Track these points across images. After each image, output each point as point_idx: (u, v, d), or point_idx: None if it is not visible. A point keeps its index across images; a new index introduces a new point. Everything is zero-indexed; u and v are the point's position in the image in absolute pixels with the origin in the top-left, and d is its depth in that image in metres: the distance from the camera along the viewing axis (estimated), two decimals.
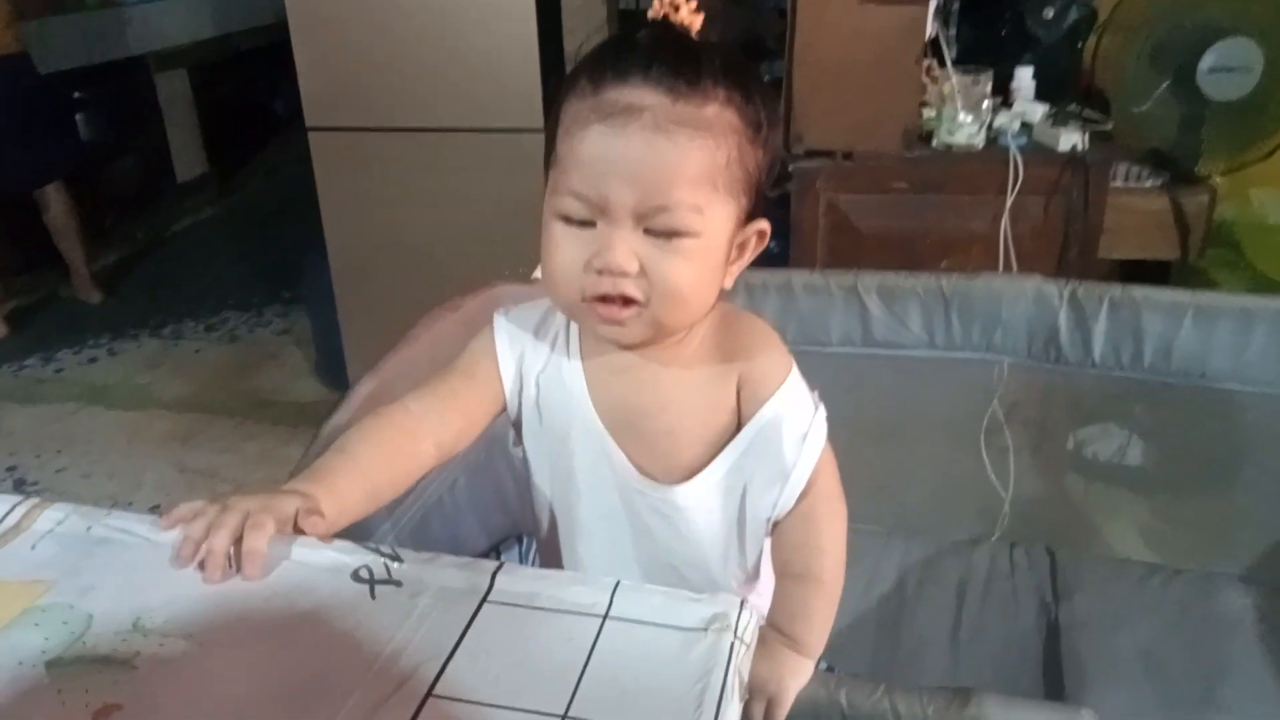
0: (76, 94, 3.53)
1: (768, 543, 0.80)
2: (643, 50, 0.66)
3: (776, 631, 0.72)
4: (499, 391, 0.78)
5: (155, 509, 2.05)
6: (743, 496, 0.76)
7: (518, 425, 0.81)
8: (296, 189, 2.43)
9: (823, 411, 0.75)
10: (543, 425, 0.79)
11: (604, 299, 0.67)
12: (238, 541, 0.55)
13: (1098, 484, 1.57)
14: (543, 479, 0.82)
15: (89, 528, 0.57)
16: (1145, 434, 1.45)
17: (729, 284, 0.72)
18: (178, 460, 2.34)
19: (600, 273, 0.66)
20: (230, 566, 0.54)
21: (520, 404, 0.79)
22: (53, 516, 0.58)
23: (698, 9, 0.70)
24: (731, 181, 0.67)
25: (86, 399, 2.65)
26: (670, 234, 0.65)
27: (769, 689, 0.69)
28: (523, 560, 1.13)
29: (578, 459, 0.77)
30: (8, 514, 0.59)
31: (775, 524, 0.77)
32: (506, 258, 2.09)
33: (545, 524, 0.84)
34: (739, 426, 0.74)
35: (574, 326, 0.77)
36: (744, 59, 0.71)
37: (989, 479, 1.41)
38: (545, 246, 0.69)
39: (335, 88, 2.10)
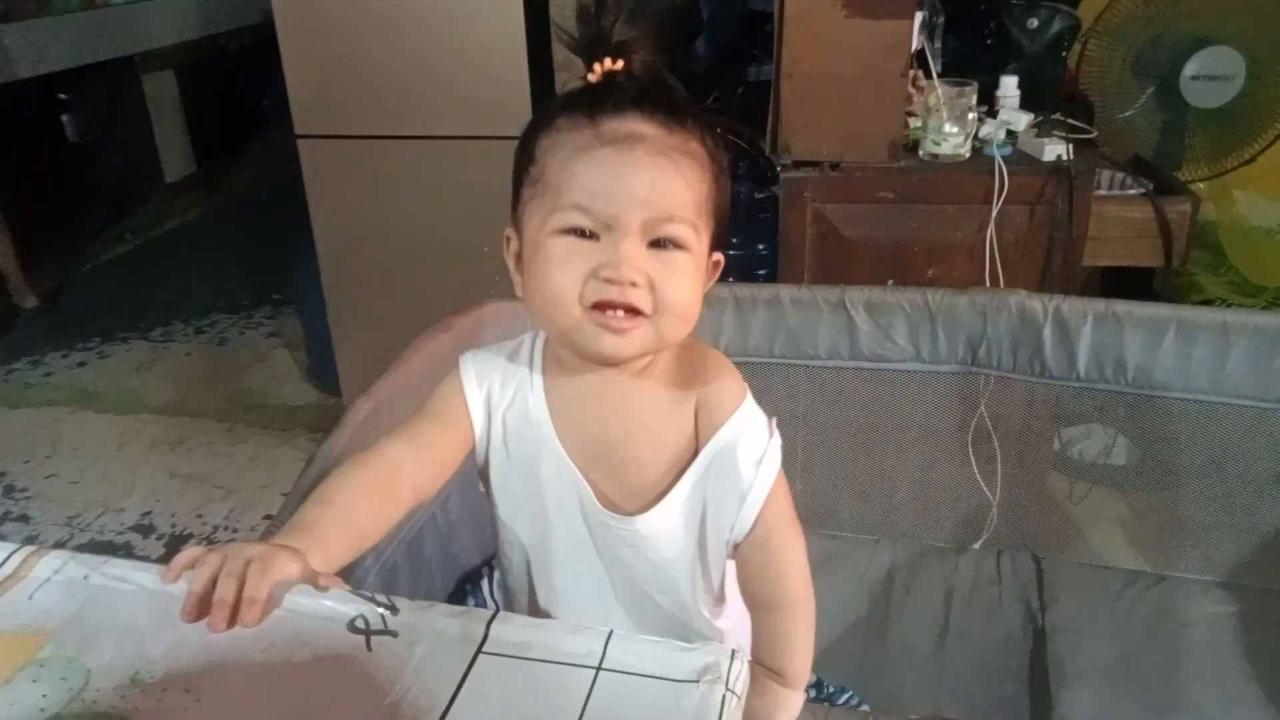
0: (62, 95, 3.51)
1: (730, 565, 0.83)
2: (633, 89, 0.71)
3: (762, 667, 0.74)
4: (468, 432, 0.80)
5: (144, 523, 2.08)
6: (703, 520, 0.78)
7: (484, 465, 0.82)
8: (285, 189, 2.42)
9: (778, 439, 0.78)
10: (510, 460, 0.80)
11: (607, 306, 0.69)
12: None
13: (1082, 484, 1.59)
14: (511, 514, 0.83)
15: (86, 575, 0.58)
16: (1131, 437, 1.48)
17: (698, 306, 0.77)
18: (168, 465, 2.35)
19: (609, 282, 0.68)
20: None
21: (489, 442, 0.81)
22: (51, 564, 0.59)
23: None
24: (712, 208, 0.73)
25: (76, 403, 2.65)
26: (671, 246, 0.70)
27: None
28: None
29: (547, 494, 0.79)
30: (5, 560, 0.60)
31: (737, 549, 0.79)
32: (495, 263, 2.11)
33: (515, 558, 0.85)
34: (696, 451, 0.77)
35: (539, 360, 0.80)
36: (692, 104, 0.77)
37: (975, 486, 1.43)
38: (542, 263, 0.71)
39: (324, 96, 2.10)
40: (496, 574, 1.12)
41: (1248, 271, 2.15)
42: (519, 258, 0.75)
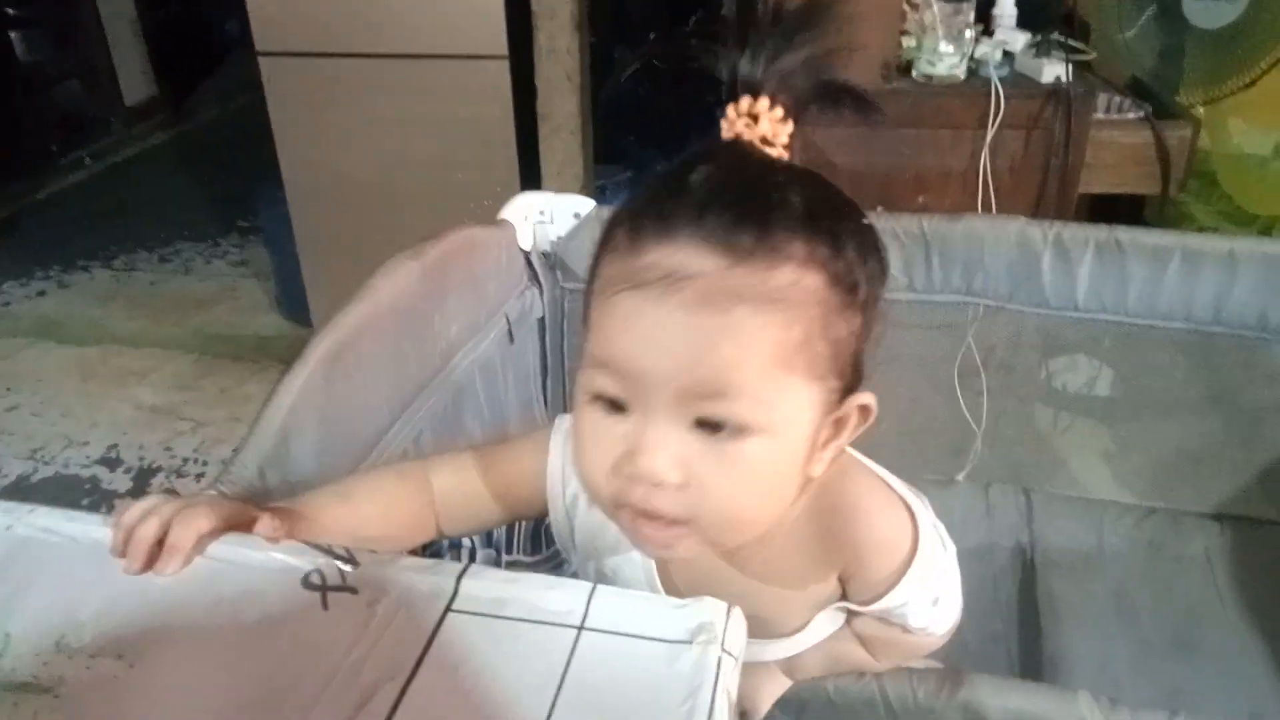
0: (11, 11, 3.33)
1: None
2: (697, 193, 0.51)
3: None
4: (536, 508, 0.68)
5: (110, 455, 2.02)
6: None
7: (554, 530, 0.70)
8: (250, 114, 2.32)
9: (952, 551, 0.66)
10: (584, 557, 0.68)
11: (633, 511, 0.53)
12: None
13: (1068, 416, 1.56)
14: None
15: (9, 526, 0.52)
16: (1120, 370, 1.44)
17: (819, 470, 0.57)
18: (134, 398, 2.28)
19: (631, 479, 0.52)
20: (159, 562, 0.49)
21: (568, 523, 0.67)
22: None
23: (785, 117, 0.55)
24: (813, 361, 0.51)
25: (36, 334, 2.56)
26: (727, 429, 0.50)
27: (742, 704, 0.65)
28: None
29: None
30: None
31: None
32: (467, 186, 2.03)
33: None
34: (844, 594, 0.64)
35: None
36: (835, 192, 0.55)
37: (961, 417, 1.39)
38: (576, 436, 0.56)
39: (286, 9, 1.99)
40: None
41: (1240, 200, 2.10)
42: None
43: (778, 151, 0.55)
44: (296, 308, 2.43)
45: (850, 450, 0.63)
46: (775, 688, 0.66)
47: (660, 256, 0.49)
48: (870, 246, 0.55)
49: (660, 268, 0.49)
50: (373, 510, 0.64)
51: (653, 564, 0.63)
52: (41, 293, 2.78)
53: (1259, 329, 1.19)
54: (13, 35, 3.35)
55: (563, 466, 0.65)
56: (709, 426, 0.50)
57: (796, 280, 0.50)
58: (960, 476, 1.42)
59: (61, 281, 2.84)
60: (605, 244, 0.54)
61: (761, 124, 0.54)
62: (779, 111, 0.54)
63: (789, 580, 0.62)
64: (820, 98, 0.56)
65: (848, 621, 0.68)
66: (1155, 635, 1.16)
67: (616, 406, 0.52)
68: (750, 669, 0.65)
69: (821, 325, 0.51)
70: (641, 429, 0.51)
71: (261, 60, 2.04)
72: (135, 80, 3.91)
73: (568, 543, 0.68)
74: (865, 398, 0.56)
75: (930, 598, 0.63)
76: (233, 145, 3.63)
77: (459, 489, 0.67)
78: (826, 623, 0.66)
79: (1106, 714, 0.60)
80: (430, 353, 1.08)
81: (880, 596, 0.61)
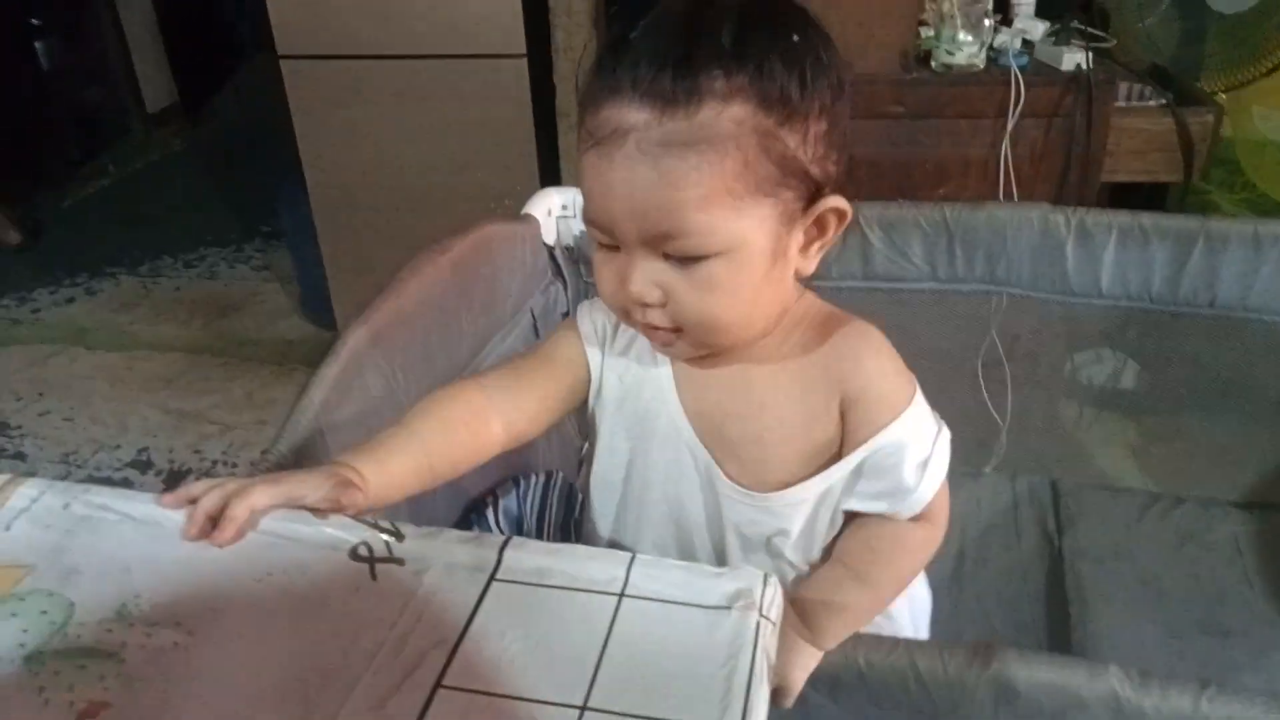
0: (35, 21, 3.38)
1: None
2: (636, 45, 0.56)
3: (799, 616, 0.68)
4: (581, 379, 0.73)
5: (141, 459, 2.05)
6: (836, 505, 0.71)
7: (590, 414, 0.75)
8: (271, 118, 2.34)
9: (946, 435, 0.69)
10: (620, 414, 0.73)
11: (643, 325, 0.63)
12: None
13: (1093, 410, 1.56)
14: (608, 469, 0.76)
15: (67, 505, 0.54)
16: (1146, 361, 1.44)
17: (810, 268, 0.64)
18: (162, 402, 2.30)
19: (628, 300, 0.61)
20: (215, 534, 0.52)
21: (600, 390, 0.73)
22: (28, 493, 0.55)
23: None
24: (759, 182, 0.57)
25: (66, 340, 2.59)
26: (689, 259, 0.58)
27: (774, 680, 0.66)
28: (521, 502, 1.11)
29: (655, 455, 0.72)
30: None
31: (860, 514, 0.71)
32: (488, 185, 2.04)
33: (600, 506, 0.78)
34: (841, 445, 0.67)
35: None
36: (772, 12, 0.58)
37: (987, 411, 1.39)
38: (594, 266, 0.65)
39: (306, 13, 2.01)
40: (502, 502, 1.08)
41: (1265, 187, 2.08)
42: None
43: None
44: (320, 311, 2.45)
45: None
46: (809, 660, 0.66)
47: (610, 113, 0.55)
48: (805, 53, 0.57)
49: (609, 123, 0.55)
50: (432, 429, 0.66)
51: (671, 383, 0.70)
52: (70, 299, 2.81)
53: None
54: (36, 45, 3.40)
55: (590, 314, 0.73)
56: (674, 258, 0.58)
57: (719, 113, 0.54)
58: (988, 469, 1.42)
59: (89, 288, 2.87)
60: (581, 102, 0.60)
61: None
62: None
63: (792, 404, 0.66)
64: None
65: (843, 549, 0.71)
66: (1185, 620, 1.16)
67: (612, 246, 0.60)
68: (793, 647, 0.66)
69: (759, 148, 0.56)
70: (626, 263, 0.59)
71: (283, 63, 2.06)
72: (156, 87, 3.95)
73: (596, 386, 0.73)
74: (835, 201, 0.61)
75: (922, 458, 0.66)
76: (254, 149, 3.66)
77: (510, 383, 0.71)
78: (822, 485, 0.68)
79: (1137, 687, 0.60)
80: (457, 346, 1.09)
81: (880, 428, 0.65)
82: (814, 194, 0.60)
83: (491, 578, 0.49)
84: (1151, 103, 1.71)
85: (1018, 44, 1.68)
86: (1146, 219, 1.19)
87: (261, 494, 0.53)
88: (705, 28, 0.55)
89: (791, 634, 0.67)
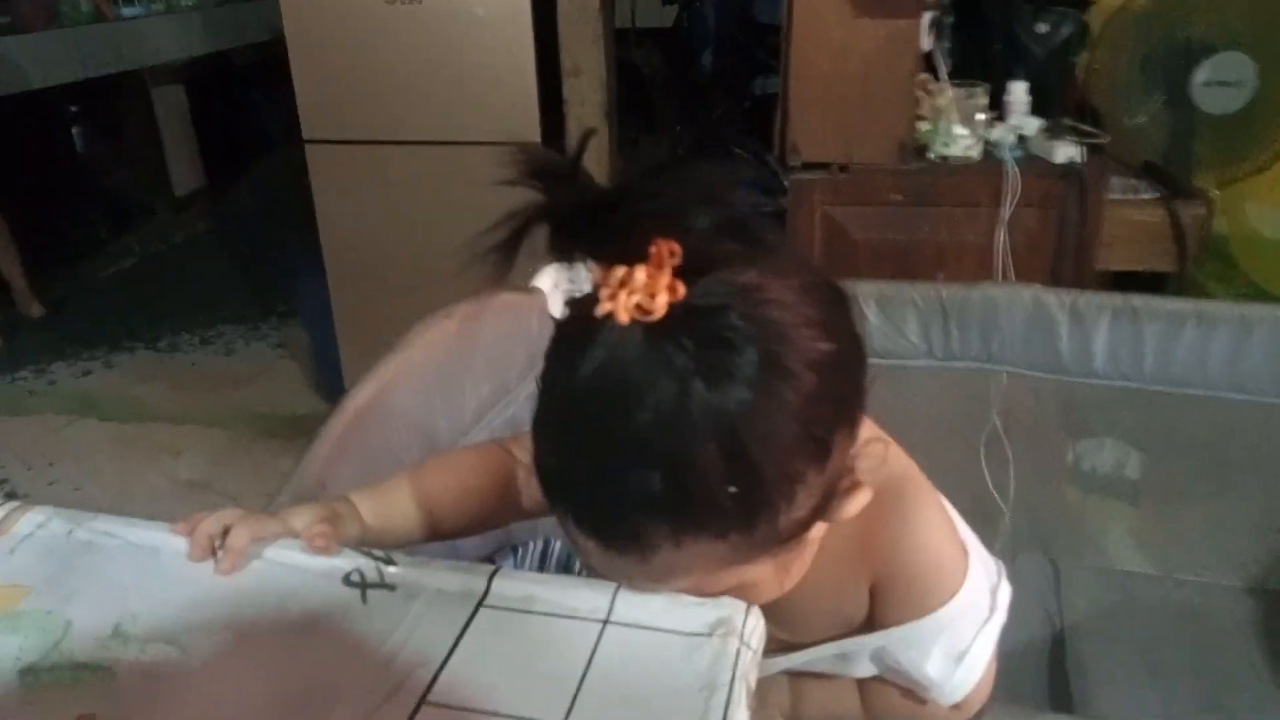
0: (73, 108, 3.53)
1: None
2: (567, 490, 0.48)
3: (792, 692, 0.67)
4: None
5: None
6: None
7: None
8: (293, 205, 2.42)
9: (998, 620, 0.61)
10: None
11: None
12: None
13: (1096, 496, 1.56)
14: None
15: (71, 531, 0.56)
16: (1144, 445, 1.45)
17: (853, 511, 0.51)
18: (169, 472, 2.32)
19: None
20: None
21: None
22: (34, 519, 0.57)
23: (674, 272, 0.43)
24: (746, 558, 0.48)
25: (79, 411, 2.63)
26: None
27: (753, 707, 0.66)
28: (518, 569, 1.11)
29: None
30: None
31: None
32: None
33: None
34: (870, 621, 0.62)
35: None
36: (700, 431, 0.43)
37: (988, 490, 1.40)
38: None
39: (332, 101, 2.10)
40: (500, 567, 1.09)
41: (1262, 281, 2.12)
42: None
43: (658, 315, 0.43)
44: (334, 388, 2.49)
45: (928, 484, 0.63)
46: (779, 698, 0.67)
47: (574, 536, 0.49)
48: (759, 463, 0.44)
49: (577, 543, 0.49)
50: (443, 485, 0.65)
51: None
52: (87, 372, 2.86)
53: (1277, 395, 1.21)
54: (73, 129, 3.54)
55: None
56: None
57: (666, 556, 0.46)
58: (993, 549, 1.42)
59: (107, 362, 2.92)
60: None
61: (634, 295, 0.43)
62: (666, 273, 0.43)
63: (820, 574, 0.59)
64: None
65: (861, 686, 0.67)
66: (1189, 701, 1.15)
67: None
68: (762, 712, 0.66)
69: (722, 554, 0.47)
70: None
71: (308, 148, 2.14)
72: (185, 171, 4.09)
73: None
74: (849, 485, 0.51)
75: (957, 651, 0.60)
76: (274, 233, 3.76)
77: None
78: (846, 650, 0.64)
79: None
80: (461, 409, 1.12)
81: (907, 621, 0.59)
82: (819, 514, 0.50)
83: (479, 604, 0.50)
84: (1145, 195, 1.76)
85: (1012, 139, 1.74)
86: (1138, 300, 1.22)
87: (260, 525, 0.56)
88: (632, 475, 0.44)
89: (775, 714, 0.68)
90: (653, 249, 0.43)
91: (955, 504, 0.69)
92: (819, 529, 0.52)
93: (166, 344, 3.03)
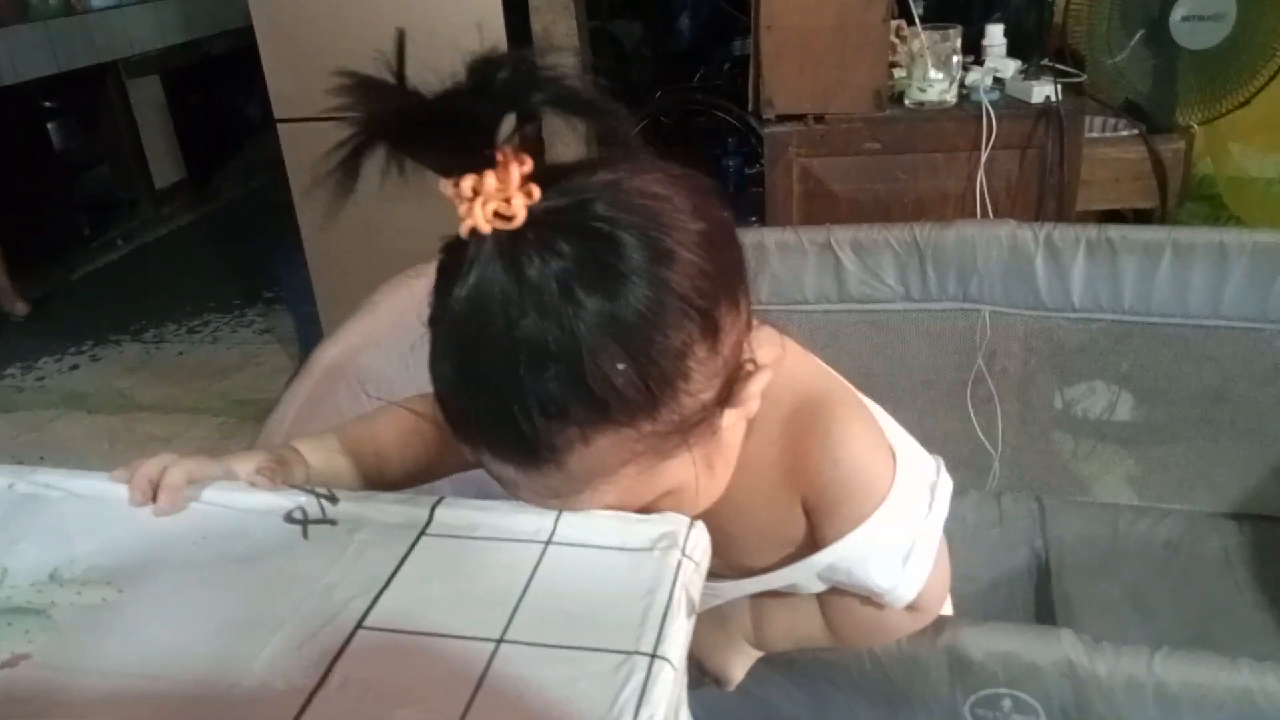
0: (47, 103, 3.50)
1: None
2: (466, 417, 0.48)
3: (754, 617, 0.67)
4: None
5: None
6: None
7: None
8: (274, 192, 2.41)
9: (938, 513, 0.62)
10: None
11: None
12: None
13: (1087, 440, 1.55)
14: None
15: (11, 485, 0.55)
16: (1130, 384, 1.44)
17: (753, 409, 0.53)
18: None
19: None
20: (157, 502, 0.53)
21: None
22: None
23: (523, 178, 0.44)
24: (660, 453, 0.48)
25: (67, 405, 2.62)
26: None
27: (715, 672, 0.67)
28: None
29: None
30: None
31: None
32: None
33: None
34: (811, 541, 0.62)
35: None
36: (577, 325, 0.43)
37: (975, 432, 1.39)
38: None
39: (302, 76, 2.08)
40: None
41: (1251, 221, 2.10)
42: None
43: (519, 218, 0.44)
44: None
45: (850, 387, 0.64)
46: (746, 660, 0.66)
47: (486, 460, 0.49)
48: (649, 340, 0.45)
49: (492, 469, 0.49)
50: (391, 428, 0.64)
51: None
52: (74, 367, 2.85)
53: (1256, 320, 1.19)
54: (49, 126, 3.51)
55: None
56: None
57: (582, 456, 0.46)
58: (984, 490, 1.41)
59: (93, 355, 2.91)
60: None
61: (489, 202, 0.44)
62: (515, 173, 0.44)
63: (757, 504, 0.60)
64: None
65: (821, 600, 0.67)
66: (1174, 632, 1.14)
67: None
68: (722, 643, 0.66)
69: (635, 447, 0.47)
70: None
71: (280, 127, 2.12)
72: (164, 164, 4.06)
73: None
74: (746, 395, 0.51)
75: (901, 552, 0.60)
76: (256, 221, 3.75)
77: None
78: (795, 577, 0.64)
79: (1090, 651, 0.59)
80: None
81: (843, 534, 0.59)
82: (725, 400, 0.50)
83: (421, 533, 0.49)
84: (1124, 133, 1.74)
85: (989, 81, 1.72)
86: (1113, 231, 1.21)
87: (199, 465, 0.55)
88: (520, 392, 0.44)
89: (738, 636, 0.67)
90: (499, 155, 0.44)
91: (943, 449, 0.67)
92: (734, 425, 0.52)
93: (152, 336, 3.02)
